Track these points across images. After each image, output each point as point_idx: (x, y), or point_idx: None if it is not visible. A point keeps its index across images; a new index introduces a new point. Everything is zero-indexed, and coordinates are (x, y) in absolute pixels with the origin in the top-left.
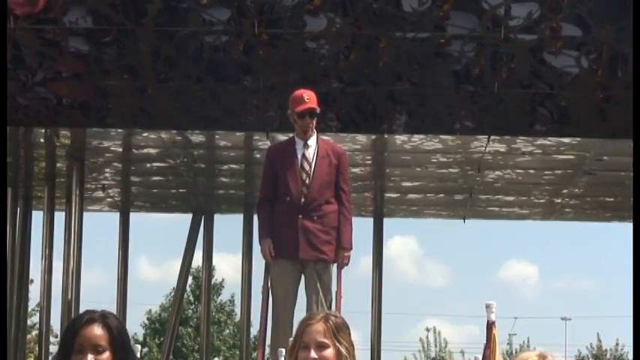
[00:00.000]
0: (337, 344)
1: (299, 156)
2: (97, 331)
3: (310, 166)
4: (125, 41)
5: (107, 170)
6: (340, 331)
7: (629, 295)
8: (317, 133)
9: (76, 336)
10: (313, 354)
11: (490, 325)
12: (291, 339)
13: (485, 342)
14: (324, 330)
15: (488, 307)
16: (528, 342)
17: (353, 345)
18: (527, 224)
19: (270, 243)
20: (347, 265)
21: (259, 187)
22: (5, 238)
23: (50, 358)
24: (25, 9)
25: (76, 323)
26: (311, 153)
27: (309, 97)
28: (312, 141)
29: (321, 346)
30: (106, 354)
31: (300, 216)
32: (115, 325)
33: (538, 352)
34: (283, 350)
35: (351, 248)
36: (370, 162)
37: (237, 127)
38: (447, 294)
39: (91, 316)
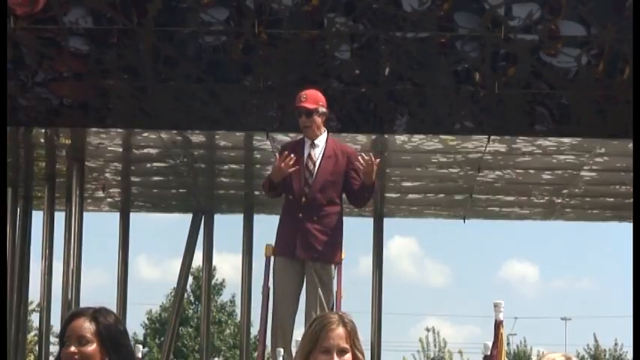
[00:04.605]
0: (354, 349)
1: (305, 155)
2: (84, 323)
3: (314, 166)
4: (125, 41)
5: (107, 170)
6: (356, 335)
7: (629, 295)
8: (327, 132)
9: (65, 330)
10: (337, 359)
11: (498, 325)
12: (299, 339)
13: (492, 341)
14: (345, 335)
15: (496, 306)
16: (525, 342)
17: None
18: (527, 224)
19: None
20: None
21: (263, 182)
22: (5, 238)
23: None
24: (25, 9)
25: (66, 318)
26: (317, 153)
27: (306, 96)
28: (320, 140)
29: (342, 351)
30: (92, 346)
31: (301, 215)
32: (105, 319)
33: (562, 354)
34: (282, 350)
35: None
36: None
37: (237, 127)
38: (447, 294)
39: (80, 311)
